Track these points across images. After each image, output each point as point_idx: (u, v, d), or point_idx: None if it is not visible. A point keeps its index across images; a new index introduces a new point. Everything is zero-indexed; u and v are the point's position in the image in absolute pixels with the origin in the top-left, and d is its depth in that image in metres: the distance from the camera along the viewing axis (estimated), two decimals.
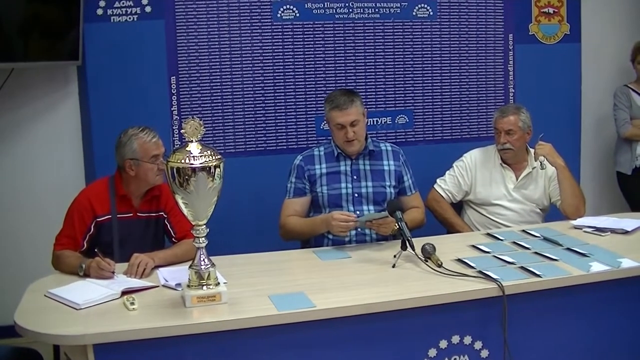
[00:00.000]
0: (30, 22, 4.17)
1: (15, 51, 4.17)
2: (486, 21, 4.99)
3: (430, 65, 4.92)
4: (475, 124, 5.05)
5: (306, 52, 4.70)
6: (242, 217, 4.56)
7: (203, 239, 2.82)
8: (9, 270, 4.50)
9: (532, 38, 5.09)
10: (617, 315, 3.19)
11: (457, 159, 4.35)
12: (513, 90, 5.10)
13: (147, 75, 4.45)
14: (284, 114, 4.71)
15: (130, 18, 4.37)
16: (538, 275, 3.04)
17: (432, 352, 2.95)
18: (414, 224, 3.77)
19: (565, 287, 3.06)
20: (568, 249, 3.42)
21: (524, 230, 3.82)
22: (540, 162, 4.03)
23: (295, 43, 4.67)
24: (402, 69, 4.88)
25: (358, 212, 3.77)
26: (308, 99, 4.73)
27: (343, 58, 4.76)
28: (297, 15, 4.65)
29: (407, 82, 4.90)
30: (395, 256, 3.27)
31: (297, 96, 4.71)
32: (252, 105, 4.65)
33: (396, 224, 3.41)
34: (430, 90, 4.94)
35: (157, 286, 3.04)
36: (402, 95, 4.90)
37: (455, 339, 2.97)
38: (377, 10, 4.77)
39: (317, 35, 4.70)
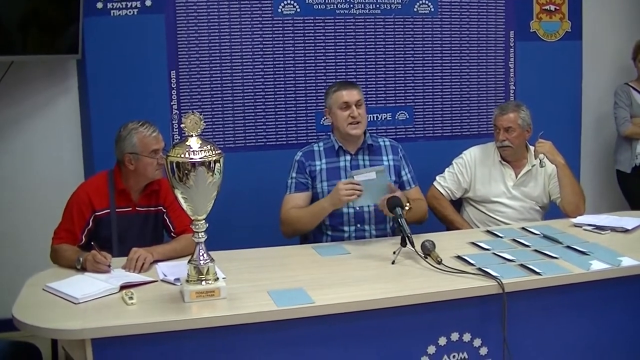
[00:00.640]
0: (30, 15, 4.15)
1: (14, 44, 4.16)
2: (487, 18, 4.98)
3: (430, 61, 4.91)
4: (475, 121, 5.04)
5: (307, 48, 4.69)
6: (241, 212, 4.54)
7: (202, 233, 2.81)
8: (8, 264, 4.50)
9: (533, 35, 5.08)
10: (616, 313, 3.19)
11: (457, 155, 4.35)
12: (514, 88, 5.09)
13: (147, 69, 4.44)
14: (284, 109, 4.70)
15: (130, 12, 4.36)
16: (538, 273, 3.04)
17: (431, 349, 2.94)
18: (419, 210, 3.81)
19: (565, 285, 3.06)
20: (568, 247, 3.42)
21: (523, 228, 3.81)
22: (540, 160, 4.02)
23: (295, 38, 4.66)
24: (402, 65, 4.87)
25: (357, 208, 3.77)
26: (308, 95, 4.72)
27: (343, 54, 4.75)
28: (298, 10, 4.63)
29: (407, 78, 4.89)
30: (394, 253, 3.26)
31: (297, 91, 4.70)
32: (252, 100, 4.64)
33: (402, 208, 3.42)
34: (430, 87, 4.93)
35: (156, 281, 3.04)
36: (403, 91, 4.89)
37: (455, 336, 2.97)
38: (378, 6, 4.75)
39: (317, 31, 4.69)
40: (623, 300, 3.20)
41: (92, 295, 2.82)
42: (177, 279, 2.95)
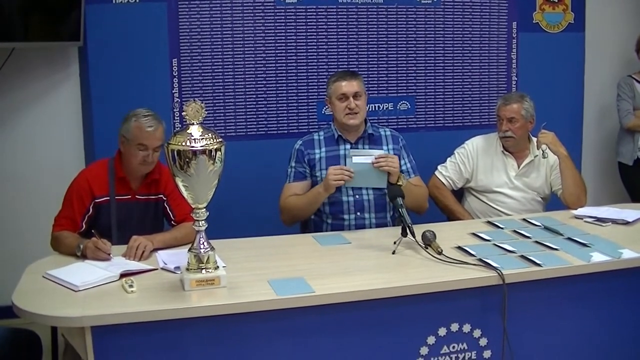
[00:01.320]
0: (31, 2, 4.14)
1: (15, 31, 4.15)
2: (490, 9, 4.96)
3: (433, 51, 4.90)
4: (477, 112, 5.03)
5: (308, 36, 4.68)
6: (242, 201, 4.55)
7: (203, 222, 2.81)
8: (8, 251, 4.50)
9: (536, 26, 5.07)
10: (617, 305, 3.19)
11: (459, 146, 4.34)
12: (516, 79, 5.08)
13: (149, 57, 4.43)
14: (285, 98, 4.69)
15: None
16: (538, 265, 3.04)
17: (431, 340, 2.94)
18: (419, 196, 3.81)
19: (565, 276, 3.06)
20: (569, 238, 3.41)
21: (524, 219, 3.81)
22: (542, 151, 4.01)
23: (297, 27, 4.65)
24: (404, 55, 4.86)
25: (357, 197, 3.77)
26: (310, 84, 4.71)
27: (345, 43, 4.74)
28: None
29: (409, 68, 4.88)
30: (395, 242, 3.26)
31: (299, 80, 4.69)
32: (254, 89, 4.63)
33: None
34: (432, 77, 4.93)
35: (156, 269, 3.04)
36: (405, 81, 4.88)
37: (455, 327, 2.96)
38: None
39: (319, 20, 4.68)
40: (623, 292, 3.20)
41: (92, 283, 2.82)
42: (177, 268, 2.95)
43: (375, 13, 4.75)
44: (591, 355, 3.19)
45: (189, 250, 2.82)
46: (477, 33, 4.96)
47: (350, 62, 4.74)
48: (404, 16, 4.80)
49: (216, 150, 2.69)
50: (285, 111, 4.70)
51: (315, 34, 4.68)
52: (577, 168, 4.18)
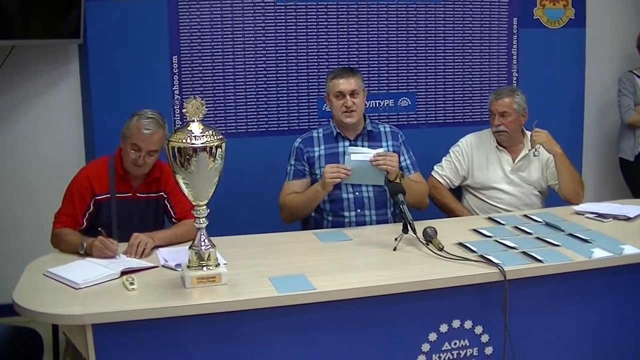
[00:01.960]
0: (31, 0, 4.13)
1: (16, 28, 4.14)
2: (490, 4, 4.96)
3: (433, 48, 4.90)
4: (478, 108, 5.03)
5: (309, 33, 4.67)
6: (242, 198, 4.54)
7: (203, 219, 2.81)
8: (9, 249, 4.50)
9: (536, 22, 5.06)
10: (618, 301, 3.19)
11: (454, 144, 4.34)
12: (516, 75, 5.08)
13: (149, 54, 4.43)
14: (285, 95, 4.69)
15: None
16: (540, 261, 3.03)
17: (433, 336, 2.94)
18: (418, 192, 3.80)
19: (566, 272, 3.05)
20: (570, 234, 3.41)
21: (525, 215, 3.81)
22: (535, 149, 4.01)
23: (298, 24, 4.64)
24: (405, 52, 4.85)
25: (357, 194, 3.77)
26: (310, 80, 4.71)
27: (346, 39, 4.73)
28: None
29: (410, 64, 4.88)
30: (396, 239, 3.26)
31: (299, 77, 4.69)
32: (254, 86, 4.63)
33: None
34: (433, 73, 4.92)
35: (157, 266, 3.04)
36: (405, 77, 4.87)
37: (456, 324, 2.96)
38: None
39: (320, 16, 4.67)
40: (624, 288, 3.20)
41: (93, 281, 2.82)
42: (178, 265, 2.95)
43: (376, 9, 4.75)
44: (593, 351, 3.19)
45: (190, 247, 2.82)
46: (477, 29, 4.96)
47: (351, 59, 4.74)
48: (404, 12, 4.79)
49: (217, 147, 2.69)
50: (286, 108, 4.70)
51: (315, 30, 4.68)
52: (578, 164, 4.19)
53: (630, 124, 5.16)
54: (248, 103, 4.63)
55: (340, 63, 4.68)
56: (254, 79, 4.62)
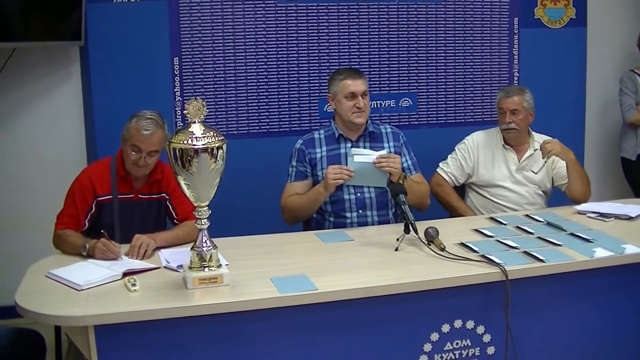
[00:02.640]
0: (32, 2, 4.14)
1: (17, 31, 4.15)
2: (491, 4, 4.96)
3: (434, 48, 4.90)
4: (479, 108, 5.03)
5: (309, 34, 4.67)
6: (244, 199, 4.55)
7: (205, 220, 2.81)
8: (11, 250, 4.50)
9: (537, 22, 5.06)
10: (620, 301, 3.19)
11: (459, 142, 4.34)
12: (518, 75, 5.08)
13: (150, 56, 4.43)
14: (287, 96, 4.69)
15: None
16: (541, 260, 3.03)
17: (435, 336, 2.94)
18: (420, 193, 3.80)
19: (568, 272, 3.05)
20: (572, 234, 3.41)
21: (527, 215, 3.81)
22: (546, 159, 4.01)
23: (298, 25, 4.64)
24: (406, 52, 4.86)
25: (359, 194, 3.77)
26: (311, 81, 4.71)
27: (347, 40, 4.73)
28: None
29: (411, 65, 4.88)
30: (398, 239, 3.26)
31: (300, 78, 4.69)
32: (255, 87, 4.63)
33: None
34: (434, 74, 4.92)
35: (159, 268, 3.04)
36: (406, 78, 4.88)
37: (458, 324, 2.96)
38: None
39: (320, 17, 4.67)
40: (626, 287, 3.19)
41: (95, 282, 2.83)
42: (180, 266, 2.95)
43: (377, 10, 4.75)
44: (594, 350, 3.19)
45: (192, 248, 2.82)
46: (478, 29, 4.96)
47: (352, 59, 4.74)
48: (405, 13, 4.79)
49: (218, 148, 2.69)
50: (287, 109, 4.70)
51: (316, 31, 4.68)
52: (579, 164, 4.16)
53: (632, 123, 5.16)
54: (249, 104, 4.63)
55: (342, 64, 4.68)
56: (255, 80, 4.62)
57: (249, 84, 4.61)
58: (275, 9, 4.59)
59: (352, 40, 4.74)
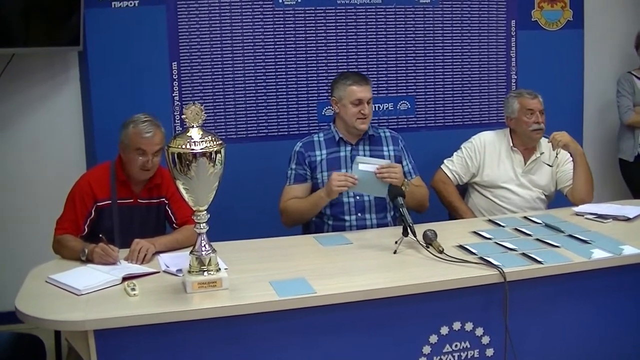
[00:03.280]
0: (31, 8, 4.14)
1: (15, 37, 4.15)
2: (489, 7, 4.96)
3: (432, 51, 4.90)
4: (477, 111, 5.03)
5: (308, 38, 4.68)
6: (243, 203, 4.55)
7: (204, 224, 2.82)
8: (11, 255, 4.50)
9: (534, 24, 5.07)
10: (618, 302, 3.19)
11: (459, 145, 4.34)
12: (515, 77, 5.08)
13: (149, 61, 4.43)
14: (285, 99, 4.69)
15: (131, 3, 4.35)
16: (539, 262, 3.04)
17: (433, 339, 2.95)
18: (419, 195, 3.82)
19: (566, 273, 3.06)
20: (570, 235, 3.42)
21: (525, 217, 3.81)
22: (557, 152, 4.02)
23: (297, 29, 4.65)
24: (404, 55, 4.86)
25: (358, 198, 3.78)
26: (309, 85, 4.71)
27: (345, 44, 4.74)
28: (299, 0, 4.62)
29: (409, 68, 4.88)
30: (396, 242, 3.26)
31: (298, 82, 4.70)
32: (254, 91, 4.64)
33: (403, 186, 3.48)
34: (432, 77, 4.93)
35: (158, 272, 3.05)
36: (404, 81, 4.88)
37: (457, 326, 2.97)
38: None
39: (318, 21, 4.68)
40: (624, 288, 3.20)
41: (95, 287, 2.83)
42: (179, 270, 2.96)
43: (374, 13, 4.75)
44: (593, 351, 3.19)
45: (191, 252, 2.83)
46: (476, 32, 4.96)
47: (350, 63, 4.75)
48: (403, 16, 4.80)
49: (216, 152, 2.70)
50: (285, 113, 4.71)
51: (314, 35, 4.69)
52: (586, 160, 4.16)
53: (630, 124, 5.17)
54: (247, 108, 4.64)
55: (340, 67, 4.69)
56: (254, 84, 4.63)
57: (247, 88, 4.62)
58: (273, 13, 4.60)
59: (349, 43, 4.75)
